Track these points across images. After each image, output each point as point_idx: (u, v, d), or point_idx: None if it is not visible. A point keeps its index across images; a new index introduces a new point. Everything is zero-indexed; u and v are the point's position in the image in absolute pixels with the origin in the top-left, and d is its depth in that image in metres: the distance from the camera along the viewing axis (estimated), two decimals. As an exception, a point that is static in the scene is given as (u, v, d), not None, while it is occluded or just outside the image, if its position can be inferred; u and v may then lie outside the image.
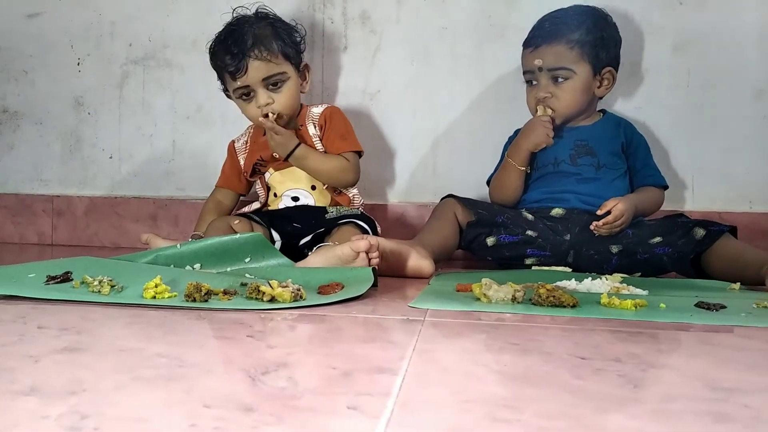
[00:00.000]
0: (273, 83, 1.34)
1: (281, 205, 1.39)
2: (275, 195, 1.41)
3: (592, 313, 0.84)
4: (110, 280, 0.94)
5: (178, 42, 1.65)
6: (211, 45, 1.39)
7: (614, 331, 0.73)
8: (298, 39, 1.41)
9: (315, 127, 1.39)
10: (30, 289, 0.88)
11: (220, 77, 1.40)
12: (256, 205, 1.44)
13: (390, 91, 1.60)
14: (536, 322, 0.77)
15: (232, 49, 1.32)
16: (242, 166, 1.45)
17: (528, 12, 1.53)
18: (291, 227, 1.33)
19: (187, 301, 0.85)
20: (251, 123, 1.47)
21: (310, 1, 1.61)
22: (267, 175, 1.42)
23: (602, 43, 1.35)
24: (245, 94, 1.36)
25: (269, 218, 1.35)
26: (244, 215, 1.37)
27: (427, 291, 0.99)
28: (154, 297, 0.88)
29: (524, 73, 1.39)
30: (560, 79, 1.33)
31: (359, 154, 1.40)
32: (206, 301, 0.86)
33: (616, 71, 1.38)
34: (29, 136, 1.71)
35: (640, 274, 1.27)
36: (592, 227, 1.25)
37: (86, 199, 1.68)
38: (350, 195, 1.40)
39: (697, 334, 0.73)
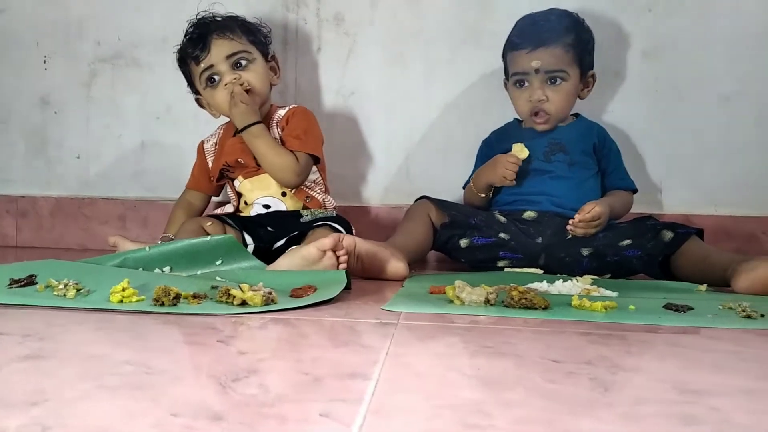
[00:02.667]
0: (237, 62, 1.32)
1: (253, 213, 1.37)
2: (246, 203, 1.39)
3: (563, 315, 0.85)
4: (76, 284, 0.91)
5: (147, 41, 1.62)
6: (178, 48, 1.37)
7: (585, 333, 0.73)
8: (264, 31, 1.40)
9: (278, 128, 1.37)
10: (-9, 294, 0.86)
11: (188, 77, 1.38)
12: (229, 208, 1.43)
13: (364, 93, 1.60)
14: (509, 324, 0.78)
15: (194, 36, 1.33)
16: (210, 169, 1.43)
17: (502, 17, 1.54)
18: (264, 231, 1.31)
19: (156, 305, 0.84)
20: (220, 124, 1.45)
21: (284, 2, 1.60)
22: (236, 182, 1.40)
23: (587, 48, 1.38)
24: (210, 79, 1.33)
25: (242, 222, 1.34)
26: (217, 217, 1.35)
27: (400, 293, 0.99)
28: (122, 301, 0.86)
29: (514, 74, 1.38)
30: (558, 81, 1.34)
31: (316, 159, 1.36)
32: (175, 305, 0.84)
33: None
34: (-8, 135, 1.67)
35: (610, 275, 1.29)
36: (568, 227, 1.26)
37: (52, 200, 1.64)
38: (320, 199, 1.39)
39: (666, 336, 0.74)
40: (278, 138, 1.36)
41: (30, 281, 0.93)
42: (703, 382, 0.55)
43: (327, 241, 1.07)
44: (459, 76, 1.57)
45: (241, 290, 0.86)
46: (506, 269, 1.32)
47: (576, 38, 1.35)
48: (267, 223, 1.33)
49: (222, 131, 1.44)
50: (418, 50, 1.58)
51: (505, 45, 1.42)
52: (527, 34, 1.38)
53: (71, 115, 1.65)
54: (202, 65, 1.32)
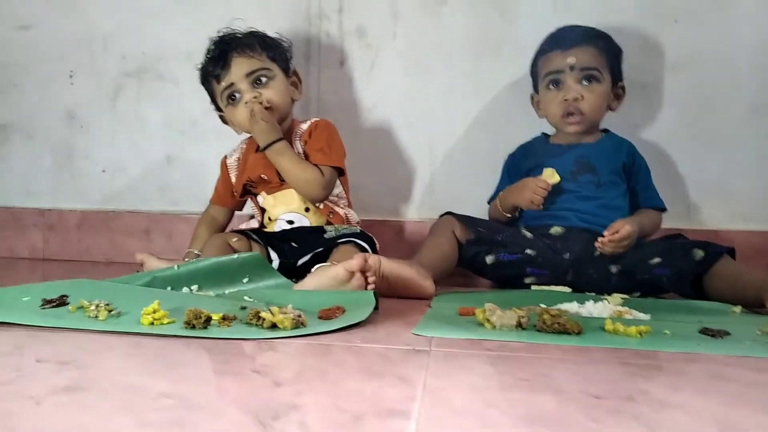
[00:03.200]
0: (257, 79, 1.33)
1: (277, 228, 1.36)
2: (270, 219, 1.39)
3: (597, 340, 0.84)
4: (107, 305, 0.92)
5: (172, 55, 1.63)
6: (200, 66, 1.38)
7: (623, 363, 0.72)
8: (285, 46, 1.40)
9: (300, 142, 1.37)
10: (25, 315, 0.86)
11: (211, 94, 1.40)
12: (254, 224, 1.43)
13: (387, 106, 1.59)
14: (544, 352, 0.77)
15: (215, 54, 1.34)
16: (233, 185, 1.43)
17: (524, 28, 1.53)
18: (289, 247, 1.31)
19: (187, 328, 0.84)
20: (243, 138, 1.45)
21: (306, 16, 1.60)
22: (260, 198, 1.40)
23: (617, 57, 1.37)
24: (231, 97, 1.34)
25: (267, 237, 1.34)
26: (242, 233, 1.35)
27: (429, 315, 0.98)
28: (153, 323, 0.86)
29: (548, 74, 1.37)
30: (593, 80, 1.34)
31: (340, 171, 1.36)
32: (206, 327, 0.84)
33: None
34: (19, 149, 1.69)
35: (639, 294, 1.27)
36: (597, 243, 1.24)
37: (78, 213, 1.66)
38: (343, 213, 1.38)
39: (706, 366, 0.72)
40: (301, 152, 1.36)
41: (62, 302, 0.94)
42: (750, 422, 0.54)
43: (355, 262, 1.06)
44: (482, 88, 1.56)
45: (271, 313, 0.86)
46: (533, 286, 1.30)
47: (607, 45, 1.35)
48: (291, 239, 1.33)
49: (245, 146, 1.45)
50: (441, 62, 1.57)
51: (534, 56, 1.42)
52: (559, 38, 1.38)
53: (97, 129, 1.66)
54: (223, 84, 1.34)
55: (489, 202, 1.45)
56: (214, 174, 1.61)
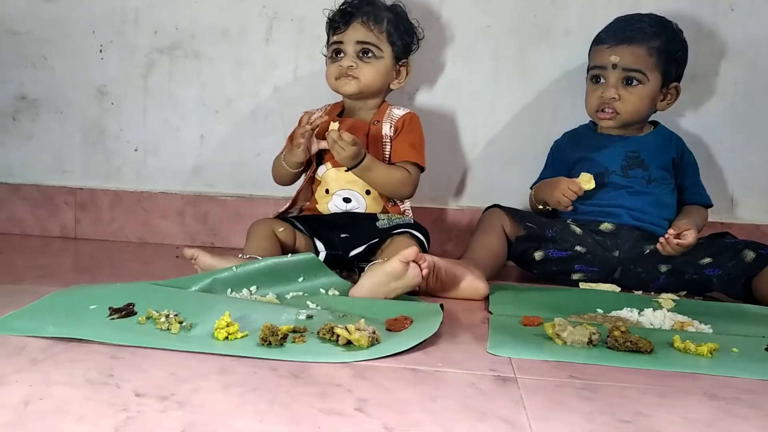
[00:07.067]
0: (364, 51, 1.33)
1: (330, 205, 1.34)
2: (326, 191, 1.36)
3: (671, 362, 0.86)
4: (176, 315, 0.92)
5: (206, 32, 1.57)
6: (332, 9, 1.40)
7: (711, 397, 0.74)
8: (412, 38, 1.40)
9: (391, 128, 1.35)
10: (98, 329, 0.86)
11: (327, 39, 1.40)
12: (299, 206, 1.40)
13: (429, 91, 1.56)
14: (626, 380, 0.78)
15: (347, 8, 1.36)
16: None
17: (575, 13, 1.49)
18: (338, 239, 1.30)
19: (263, 345, 0.84)
20: (327, 104, 1.43)
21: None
22: (322, 169, 1.36)
23: (676, 59, 1.33)
24: (336, 52, 1.36)
25: (315, 226, 1.32)
26: (288, 220, 1.33)
27: (494, 327, 0.98)
28: (227, 338, 0.86)
29: (592, 68, 1.36)
30: (633, 82, 1.31)
31: (422, 169, 1.35)
32: (282, 344, 0.84)
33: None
34: (49, 125, 1.64)
35: (685, 293, 1.28)
36: (659, 245, 1.23)
37: (111, 193, 1.63)
38: (402, 206, 1.37)
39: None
40: (389, 136, 1.34)
41: (130, 311, 0.93)
42: None
43: (409, 252, 1.06)
44: (528, 74, 1.52)
45: (347, 330, 0.86)
46: (580, 283, 1.31)
47: (664, 44, 1.31)
48: (341, 226, 1.31)
49: (329, 107, 1.42)
50: (487, 47, 1.53)
51: (592, 41, 1.38)
52: (614, 30, 1.34)
53: (128, 107, 1.62)
54: (336, 38, 1.35)
55: (531, 187, 1.43)
56: (251, 155, 1.59)
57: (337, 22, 1.35)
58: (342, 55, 1.34)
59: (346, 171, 1.31)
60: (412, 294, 1.14)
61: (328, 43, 1.40)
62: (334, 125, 1.25)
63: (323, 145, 1.30)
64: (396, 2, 1.40)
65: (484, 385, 0.74)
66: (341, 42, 1.34)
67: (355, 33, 1.33)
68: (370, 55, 1.33)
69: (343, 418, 0.64)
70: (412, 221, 1.33)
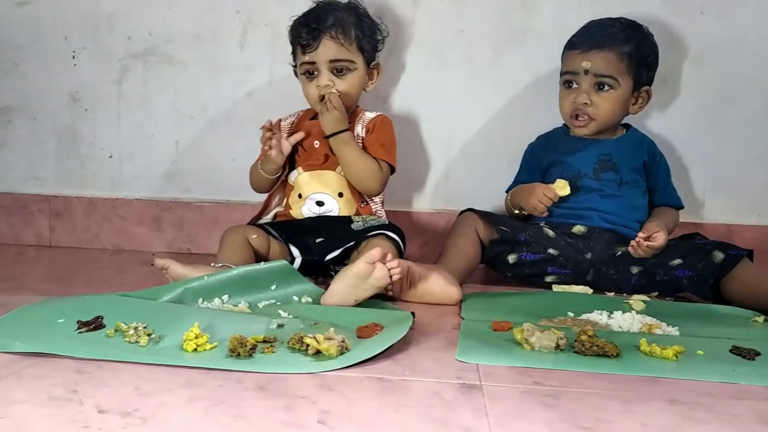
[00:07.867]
0: (339, 68, 1.33)
1: (304, 209, 1.35)
2: (299, 196, 1.36)
3: (636, 366, 0.87)
4: (145, 327, 0.91)
5: (180, 37, 1.57)
6: (294, 19, 1.37)
7: (672, 401, 0.74)
8: (379, 38, 1.40)
9: (363, 129, 1.37)
10: (66, 343, 0.85)
11: (293, 51, 1.39)
12: (272, 212, 1.41)
13: (403, 94, 1.56)
14: (591, 385, 0.79)
15: (311, 23, 1.33)
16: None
17: (548, 18, 1.50)
18: (314, 243, 1.30)
19: (232, 356, 0.84)
20: (299, 110, 1.44)
21: (320, -4, 1.53)
22: (293, 174, 1.38)
23: (647, 63, 1.35)
24: (309, 72, 1.35)
25: (289, 232, 1.32)
26: (261, 227, 1.34)
27: (465, 332, 0.99)
28: (196, 349, 0.86)
29: (565, 73, 1.37)
30: (605, 87, 1.32)
31: (392, 170, 1.37)
32: (251, 355, 0.84)
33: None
34: (22, 132, 1.63)
35: (657, 294, 1.30)
36: (630, 248, 1.25)
37: (85, 200, 1.62)
38: (373, 207, 1.37)
39: (752, 405, 0.75)
40: (362, 137, 1.36)
41: (98, 324, 0.92)
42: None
43: (374, 252, 1.06)
44: (502, 78, 1.53)
45: (316, 340, 0.86)
46: (553, 285, 1.32)
47: (634, 49, 1.32)
48: (316, 230, 1.32)
49: (302, 113, 1.43)
50: (460, 51, 1.53)
51: (564, 45, 1.39)
52: (586, 35, 1.36)
53: (102, 113, 1.61)
54: (307, 57, 1.33)
55: (507, 191, 1.45)
56: (226, 161, 1.59)
57: (305, 39, 1.32)
58: (317, 74, 1.34)
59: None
60: (388, 300, 1.15)
61: (295, 56, 1.38)
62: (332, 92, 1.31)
63: (293, 139, 1.35)
64: (351, 0, 1.38)
65: (449, 393, 0.75)
66: (313, 63, 1.33)
67: (327, 51, 1.31)
68: (344, 71, 1.33)
69: (303, 430, 0.64)
70: (387, 222, 1.34)
